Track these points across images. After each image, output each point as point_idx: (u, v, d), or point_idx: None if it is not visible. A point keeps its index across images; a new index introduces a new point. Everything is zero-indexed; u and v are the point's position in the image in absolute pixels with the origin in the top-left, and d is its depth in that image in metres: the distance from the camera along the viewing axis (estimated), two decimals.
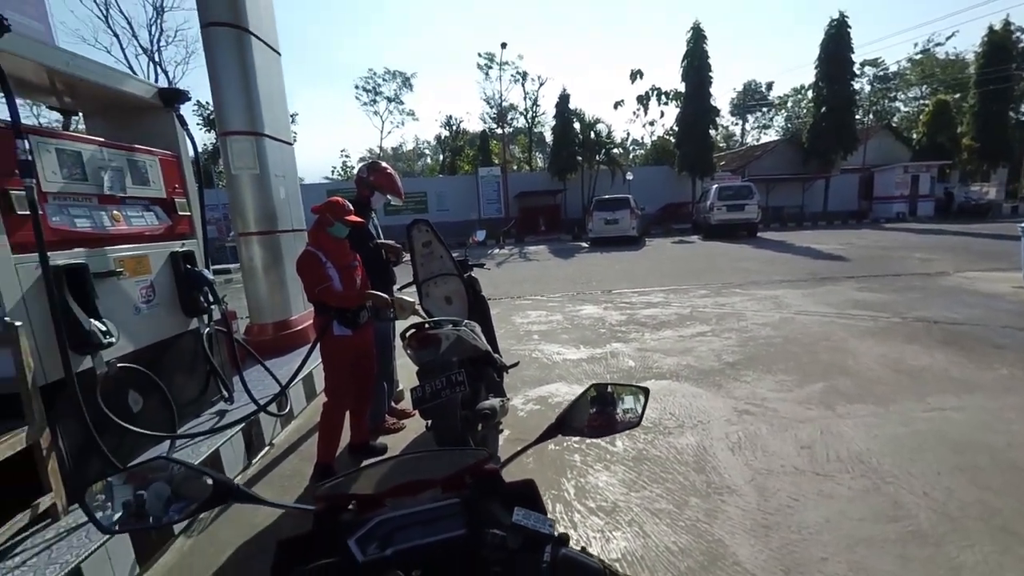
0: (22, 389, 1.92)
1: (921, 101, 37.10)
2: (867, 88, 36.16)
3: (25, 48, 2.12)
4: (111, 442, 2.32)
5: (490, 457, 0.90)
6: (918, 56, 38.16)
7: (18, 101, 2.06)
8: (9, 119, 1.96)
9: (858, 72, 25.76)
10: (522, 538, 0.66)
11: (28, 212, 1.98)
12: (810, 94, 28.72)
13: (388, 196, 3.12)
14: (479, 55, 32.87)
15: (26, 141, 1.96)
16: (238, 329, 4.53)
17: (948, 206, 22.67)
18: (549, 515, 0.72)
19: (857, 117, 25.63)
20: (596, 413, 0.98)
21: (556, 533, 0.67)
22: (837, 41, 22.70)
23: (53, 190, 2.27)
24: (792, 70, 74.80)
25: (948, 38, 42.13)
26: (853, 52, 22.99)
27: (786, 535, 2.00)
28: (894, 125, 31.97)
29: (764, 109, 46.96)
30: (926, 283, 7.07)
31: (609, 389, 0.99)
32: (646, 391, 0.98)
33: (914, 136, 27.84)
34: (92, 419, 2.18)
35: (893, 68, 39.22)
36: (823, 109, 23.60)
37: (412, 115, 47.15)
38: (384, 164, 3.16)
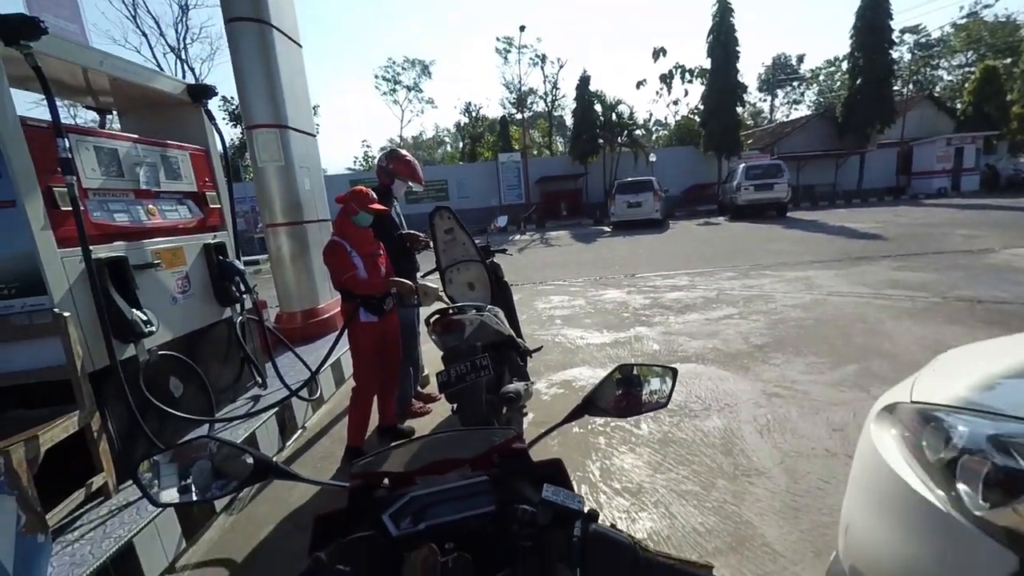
0: (72, 376, 2.04)
1: (966, 68, 34.84)
2: (907, 57, 34.08)
3: (62, 50, 2.20)
4: (154, 425, 2.45)
5: (518, 436, 0.91)
6: (963, 20, 35.74)
7: (56, 101, 2.14)
8: (50, 119, 2.05)
9: (897, 40, 24.29)
10: (551, 513, 0.67)
11: (71, 208, 2.07)
12: (844, 65, 27.31)
13: (408, 182, 3.15)
14: (497, 39, 32.42)
15: (66, 140, 2.04)
16: (269, 317, 4.67)
17: (994, 180, 21.34)
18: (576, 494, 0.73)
19: (896, 88, 24.25)
20: (622, 394, 0.98)
21: (585, 509, 0.67)
22: (874, 8, 21.44)
23: (93, 186, 2.37)
24: (824, 40, 71.09)
25: None
26: (892, 19, 21.70)
27: (816, 517, 1.97)
28: (936, 95, 30.12)
29: (794, 84, 44.98)
30: (970, 261, 6.72)
31: (635, 370, 0.99)
32: (674, 371, 0.97)
33: (958, 106, 26.18)
34: (136, 404, 2.29)
35: (936, 35, 36.92)
36: (859, 81, 22.41)
37: (431, 103, 47.17)
38: (402, 151, 3.18)
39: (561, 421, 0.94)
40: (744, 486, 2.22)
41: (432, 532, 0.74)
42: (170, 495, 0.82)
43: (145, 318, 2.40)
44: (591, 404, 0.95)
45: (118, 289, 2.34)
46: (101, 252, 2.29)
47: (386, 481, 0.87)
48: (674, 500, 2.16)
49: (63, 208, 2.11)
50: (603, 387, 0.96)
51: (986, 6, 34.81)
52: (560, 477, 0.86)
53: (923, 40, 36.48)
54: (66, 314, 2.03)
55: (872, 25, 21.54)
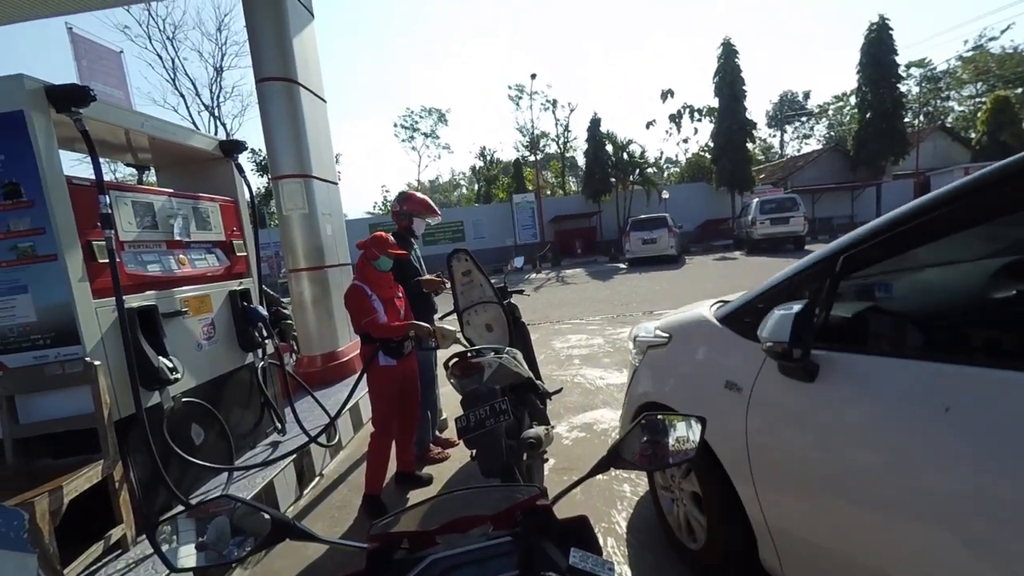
0: (99, 424, 2.07)
1: (977, 99, 34.89)
2: (915, 90, 34.41)
3: (108, 114, 2.37)
4: (175, 473, 2.44)
5: (541, 493, 0.88)
6: (969, 53, 36.13)
7: (100, 160, 2.29)
8: (91, 175, 2.18)
9: (904, 74, 24.63)
10: None
11: (107, 260, 2.16)
12: (852, 100, 27.67)
13: (426, 218, 3.21)
14: (509, 87, 33.92)
15: (107, 196, 2.16)
16: (290, 361, 4.72)
17: None
18: (603, 551, 0.70)
19: (906, 120, 24.38)
20: (648, 443, 0.95)
21: None
22: (878, 44, 21.92)
23: (129, 239, 2.48)
24: (830, 76, 72.57)
25: (1003, 31, 39.55)
26: (897, 54, 22.11)
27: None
28: (948, 125, 30.14)
29: (803, 119, 45.57)
30: None
31: (660, 417, 0.96)
32: (702, 420, 0.94)
33: (972, 136, 26.08)
34: (159, 452, 2.30)
35: (942, 67, 37.30)
36: (868, 115, 22.64)
37: (447, 148, 48.87)
38: (411, 191, 3.28)
39: (586, 475, 0.91)
40: None
41: None
42: (187, 555, 0.80)
43: (171, 365, 2.45)
44: (617, 456, 0.92)
45: (147, 337, 2.40)
46: (133, 301, 2.36)
47: (405, 542, 0.84)
48: None
49: (100, 260, 2.21)
50: (629, 438, 0.93)
51: (991, 39, 35.25)
52: (586, 536, 0.83)
53: (929, 73, 36.88)
54: (96, 363, 2.08)
55: (878, 60, 21.95)
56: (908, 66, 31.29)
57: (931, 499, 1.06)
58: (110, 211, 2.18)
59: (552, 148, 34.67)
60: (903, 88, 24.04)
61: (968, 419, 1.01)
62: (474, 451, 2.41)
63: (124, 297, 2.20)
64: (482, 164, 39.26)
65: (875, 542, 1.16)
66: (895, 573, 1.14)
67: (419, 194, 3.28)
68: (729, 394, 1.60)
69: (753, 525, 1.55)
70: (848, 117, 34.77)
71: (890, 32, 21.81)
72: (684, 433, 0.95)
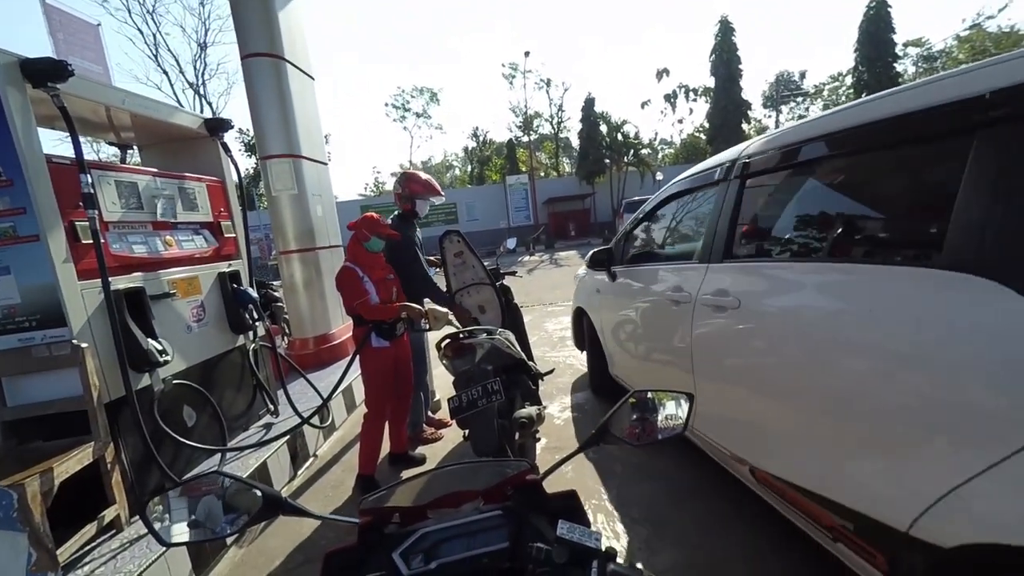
0: (88, 406, 2.05)
1: None
2: (911, 69, 34.21)
3: (87, 90, 2.29)
4: (167, 455, 2.45)
5: (531, 468, 0.89)
6: (966, 32, 35.88)
7: (81, 139, 2.22)
8: (73, 155, 2.13)
9: (901, 54, 24.45)
10: (568, 552, 0.64)
11: (91, 241, 2.12)
12: (848, 80, 27.51)
13: (430, 198, 3.15)
14: (503, 65, 33.34)
15: (89, 176, 2.11)
16: (282, 343, 4.70)
17: None
18: (592, 527, 0.71)
19: None
20: (638, 420, 0.95)
21: (603, 547, 0.65)
22: (877, 23, 21.72)
23: (113, 219, 2.43)
24: (826, 57, 71.86)
25: (1000, 10, 39.28)
26: (895, 32, 21.93)
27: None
28: None
29: (799, 99, 45.25)
30: None
31: (650, 395, 0.97)
32: (690, 396, 0.95)
33: None
34: (150, 434, 2.30)
35: (939, 46, 37.04)
36: (864, 94, 22.52)
37: (440, 128, 48.27)
38: (412, 171, 3.22)
39: (575, 450, 0.91)
40: None
41: (444, 571, 0.72)
42: (180, 532, 0.81)
43: (160, 348, 2.43)
44: (606, 432, 0.92)
45: (135, 319, 2.37)
46: (119, 283, 2.33)
47: (397, 516, 0.85)
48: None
49: (84, 241, 2.16)
50: (618, 414, 0.94)
51: (989, 17, 34.95)
52: (576, 510, 0.84)
53: (926, 53, 36.64)
54: (84, 345, 2.06)
55: (875, 39, 21.78)
56: (905, 45, 31.05)
57: (642, 334, 2.69)
58: (92, 191, 2.13)
59: (546, 129, 34.28)
60: (899, 68, 23.90)
61: (644, 288, 2.65)
62: (467, 431, 2.43)
63: (110, 279, 2.17)
64: (475, 145, 38.78)
65: (633, 352, 2.87)
66: (644, 369, 2.76)
67: (421, 174, 3.20)
68: (595, 293, 3.42)
69: (605, 352, 3.35)
70: (844, 97, 34.56)
71: (888, 9, 21.60)
72: (673, 411, 0.96)
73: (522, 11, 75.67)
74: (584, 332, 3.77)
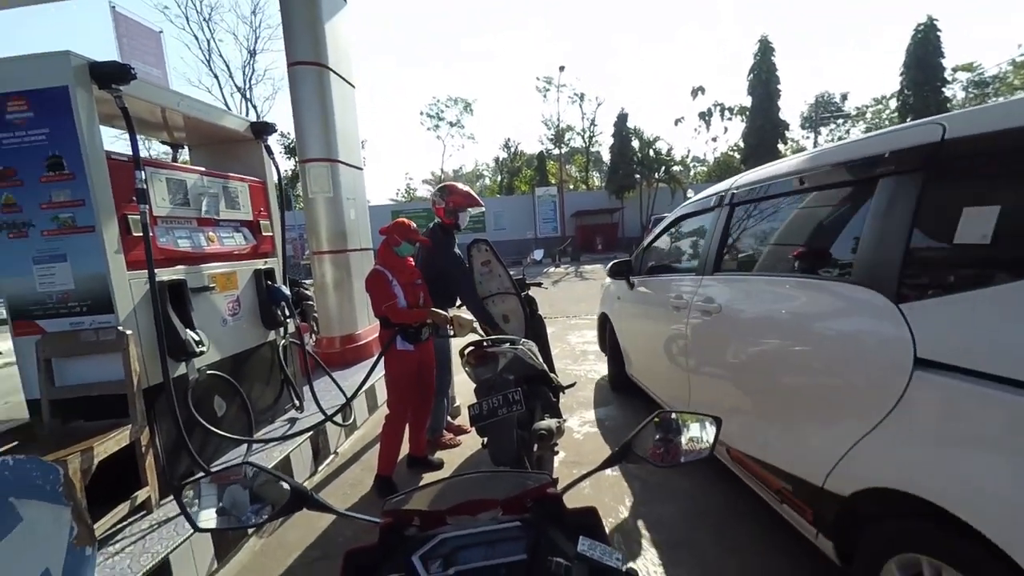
0: (128, 391, 2.15)
1: None
2: (960, 95, 32.87)
3: (146, 92, 2.44)
4: (197, 442, 2.53)
5: (552, 481, 0.89)
6: (1021, 58, 34.29)
7: (136, 136, 2.36)
8: (128, 152, 2.26)
9: (950, 79, 23.56)
10: (588, 570, 0.64)
11: (141, 234, 2.24)
12: (892, 103, 26.63)
13: (470, 209, 3.16)
14: (537, 79, 33.63)
15: (143, 172, 2.23)
16: (310, 341, 4.82)
17: None
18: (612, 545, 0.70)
19: None
20: (661, 440, 0.94)
21: (624, 568, 0.64)
22: (925, 46, 21.03)
23: (162, 214, 2.56)
24: (869, 80, 69.75)
25: None
26: (944, 57, 21.18)
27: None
28: None
29: (839, 121, 44.01)
30: None
31: (674, 416, 0.96)
32: (717, 420, 0.93)
33: None
34: (184, 421, 2.39)
35: (992, 71, 35.51)
36: (909, 118, 21.78)
37: (472, 138, 48.87)
38: (452, 184, 3.26)
39: (597, 467, 0.91)
40: None
41: None
42: (208, 518, 0.84)
43: (198, 338, 2.53)
44: (629, 451, 0.92)
45: (176, 310, 2.48)
46: (164, 275, 2.44)
47: (417, 519, 0.86)
48: None
49: (135, 234, 2.29)
50: (642, 433, 0.93)
51: None
52: (595, 527, 0.83)
53: (978, 78, 35.16)
54: (128, 332, 2.17)
55: (923, 63, 21.07)
56: (955, 70, 29.88)
57: (652, 336, 3.01)
58: (145, 186, 2.25)
59: (577, 142, 34.33)
60: (948, 92, 23.01)
61: (654, 295, 3.10)
62: (485, 439, 2.43)
63: (156, 270, 2.28)
64: (506, 155, 39.14)
65: (645, 352, 3.27)
66: (653, 367, 3.16)
67: (461, 186, 3.20)
68: (616, 300, 3.79)
69: (623, 353, 3.72)
70: (888, 121, 33.45)
71: (938, 34, 20.90)
72: (698, 434, 0.95)
73: (556, 9, 76.33)
74: (607, 335, 4.26)
